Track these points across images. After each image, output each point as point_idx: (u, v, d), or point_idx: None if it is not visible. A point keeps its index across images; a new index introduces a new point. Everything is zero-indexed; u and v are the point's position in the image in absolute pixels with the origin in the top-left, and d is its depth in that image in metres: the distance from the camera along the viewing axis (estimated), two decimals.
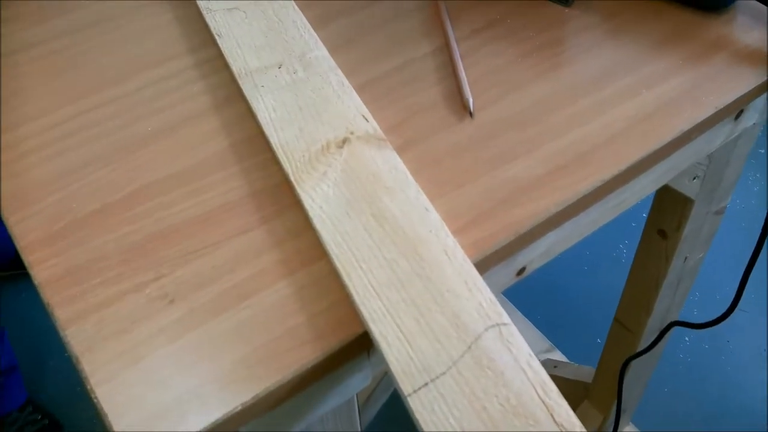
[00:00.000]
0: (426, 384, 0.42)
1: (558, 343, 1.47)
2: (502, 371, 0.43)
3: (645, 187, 0.64)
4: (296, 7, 0.66)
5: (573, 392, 1.27)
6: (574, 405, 1.27)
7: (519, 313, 1.46)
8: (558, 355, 1.42)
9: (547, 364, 1.33)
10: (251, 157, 0.56)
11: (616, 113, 0.59)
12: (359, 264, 0.48)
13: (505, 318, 0.45)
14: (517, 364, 0.43)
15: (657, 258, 0.91)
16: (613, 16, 0.67)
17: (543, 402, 0.42)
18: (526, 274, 0.58)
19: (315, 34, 0.64)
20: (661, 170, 0.63)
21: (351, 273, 0.48)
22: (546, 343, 1.44)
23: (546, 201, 0.53)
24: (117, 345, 0.45)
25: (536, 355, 0.46)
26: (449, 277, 0.47)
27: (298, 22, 0.65)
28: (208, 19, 0.66)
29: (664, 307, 1.00)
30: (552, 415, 0.41)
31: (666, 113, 0.59)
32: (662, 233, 0.90)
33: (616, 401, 1.00)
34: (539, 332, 1.47)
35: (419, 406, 0.41)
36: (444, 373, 0.42)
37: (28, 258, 0.51)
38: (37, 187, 0.55)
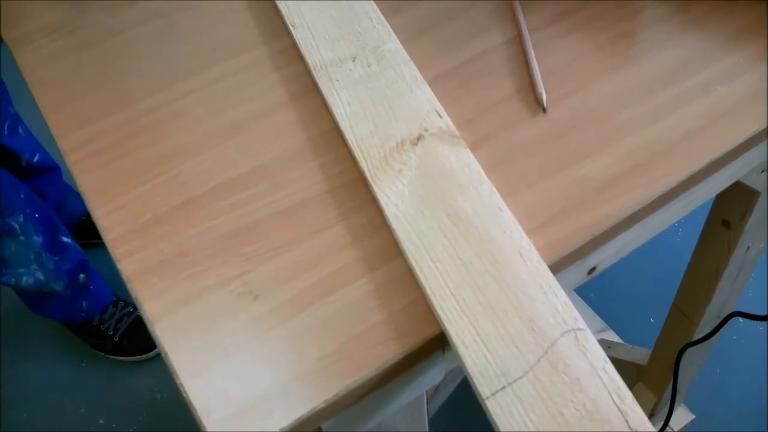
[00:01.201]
0: (503, 387, 0.43)
1: (612, 324, 1.47)
2: (578, 377, 0.43)
3: (718, 184, 0.64)
4: None
5: (627, 373, 1.27)
6: (628, 386, 1.28)
7: (573, 293, 1.46)
8: (612, 336, 1.42)
9: (601, 344, 1.34)
10: (328, 152, 0.57)
11: (691, 110, 0.58)
12: (435, 264, 0.49)
13: (581, 323, 0.46)
14: (593, 369, 0.44)
15: (719, 247, 0.91)
16: (686, 8, 0.66)
17: (618, 408, 0.43)
18: (596, 272, 0.59)
19: (387, 25, 0.64)
20: (735, 168, 0.63)
21: (427, 273, 0.49)
22: (600, 323, 1.44)
23: (621, 202, 0.53)
24: (204, 340, 0.47)
25: None
26: (524, 280, 0.48)
27: (370, 12, 0.65)
28: (281, 6, 0.67)
29: (723, 296, 0.99)
30: (627, 421, 0.42)
31: (741, 110, 0.58)
32: (726, 223, 0.89)
33: (670, 385, 1.00)
34: (593, 312, 1.47)
35: (497, 409, 0.42)
36: (521, 378, 0.43)
37: (116, 251, 0.53)
38: (123, 179, 0.57)
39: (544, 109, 0.59)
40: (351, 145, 0.57)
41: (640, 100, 0.59)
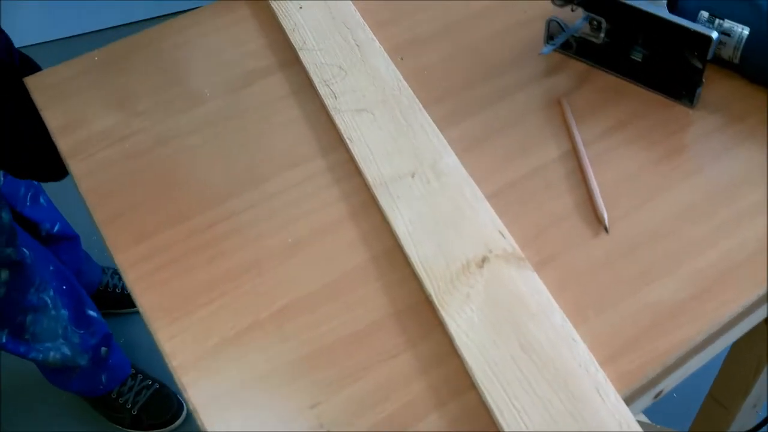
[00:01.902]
0: None
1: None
2: None
3: None
4: (422, 108, 0.67)
5: None
6: None
7: None
8: (642, 417, 1.40)
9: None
10: (392, 271, 0.57)
11: (755, 226, 0.58)
12: (511, 402, 0.48)
13: None
14: None
15: (760, 343, 0.90)
16: (740, 118, 0.66)
17: None
18: (662, 395, 0.58)
19: (443, 139, 0.64)
20: None
21: (504, 411, 0.48)
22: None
23: (691, 328, 0.53)
24: None
25: None
26: (603, 419, 0.47)
27: (426, 126, 0.66)
28: (338, 120, 0.67)
29: (762, 389, 0.98)
30: None
31: None
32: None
33: None
34: None
35: None
36: None
37: (182, 379, 0.52)
38: (185, 299, 0.57)
39: (606, 229, 0.59)
40: (415, 266, 0.56)
41: (703, 217, 0.59)
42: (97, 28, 2.21)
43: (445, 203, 0.60)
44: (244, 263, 0.58)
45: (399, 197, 0.61)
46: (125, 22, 2.21)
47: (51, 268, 1.33)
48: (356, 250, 0.59)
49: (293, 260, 0.58)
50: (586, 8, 0.69)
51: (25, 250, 1.20)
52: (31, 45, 2.17)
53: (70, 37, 2.22)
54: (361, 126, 0.66)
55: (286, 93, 0.71)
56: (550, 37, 0.73)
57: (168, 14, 2.20)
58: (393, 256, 0.58)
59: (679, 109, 0.68)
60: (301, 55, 0.73)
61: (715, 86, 0.67)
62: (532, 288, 0.54)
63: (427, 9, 0.78)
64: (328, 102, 0.69)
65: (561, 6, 0.70)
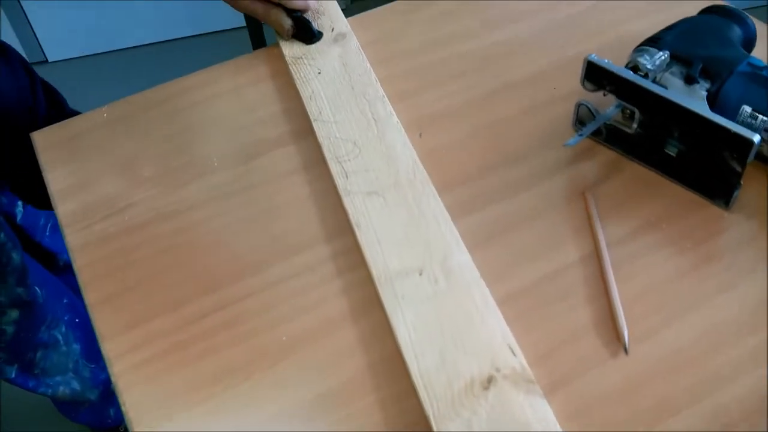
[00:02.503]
0: None
1: None
2: None
3: None
4: (437, 196, 0.63)
5: None
6: None
7: None
8: None
9: None
10: (389, 384, 0.53)
11: None
12: None
13: None
14: None
15: None
16: None
17: None
18: None
19: (457, 233, 0.60)
20: None
21: None
22: None
23: None
24: None
25: None
26: None
27: (439, 216, 0.62)
28: (347, 203, 0.64)
29: None
30: None
31: None
32: None
33: None
34: None
35: None
36: None
37: None
38: (171, 399, 0.54)
39: (626, 350, 0.54)
40: (415, 380, 0.52)
41: (730, 343, 0.55)
42: (125, 46, 2.21)
43: (452, 308, 0.56)
44: (235, 362, 0.55)
45: (404, 297, 0.57)
46: (155, 41, 2.21)
47: (65, 300, 1.31)
48: (353, 356, 0.55)
49: (285, 363, 0.55)
50: (619, 96, 0.64)
51: (37, 288, 1.18)
52: (59, 60, 2.19)
53: (98, 53, 2.22)
54: (371, 211, 0.63)
55: (296, 167, 0.68)
56: (579, 122, 0.69)
57: (194, 35, 2.20)
58: (392, 364, 0.54)
59: (712, 210, 0.63)
60: (316, 126, 0.70)
61: (754, 186, 0.63)
62: (540, 416, 0.50)
63: (453, 82, 0.75)
64: (339, 182, 0.65)
65: (592, 91, 0.66)
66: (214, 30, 2.19)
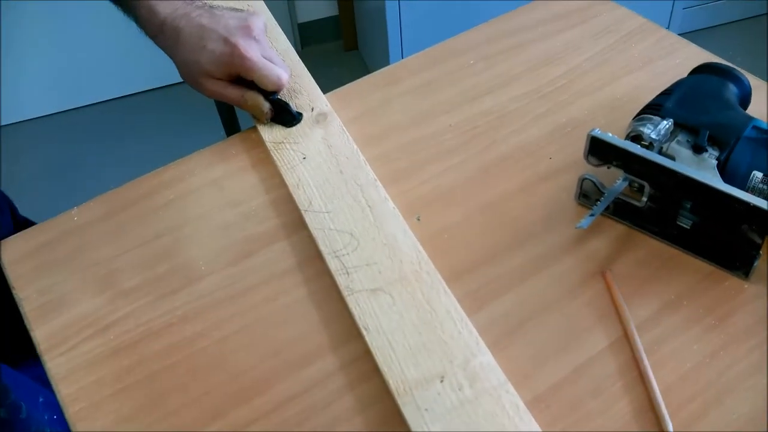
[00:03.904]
0: None
1: None
2: None
3: None
4: (447, 289, 0.59)
5: None
6: None
7: None
8: None
9: None
10: None
11: None
12: None
13: None
14: None
15: None
16: None
17: None
18: None
19: (474, 330, 0.57)
20: None
21: None
22: None
23: None
24: None
25: None
26: None
27: (452, 312, 0.58)
28: (351, 303, 0.59)
29: None
30: None
31: None
32: None
33: None
34: None
35: None
36: None
37: None
38: None
39: None
40: None
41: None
42: (98, 101, 2.15)
43: (481, 419, 0.52)
44: None
45: (427, 410, 0.53)
46: (125, 94, 2.16)
47: (41, 399, 1.23)
48: None
49: None
50: (627, 171, 0.62)
51: (22, 403, 1.10)
52: (28, 120, 2.12)
53: (69, 110, 2.17)
54: (378, 311, 0.58)
55: (291, 265, 0.64)
56: (583, 196, 0.66)
57: (167, 85, 2.15)
58: None
59: (732, 281, 0.60)
60: (307, 218, 0.66)
61: None
62: None
63: (445, 157, 0.71)
64: (340, 280, 0.61)
65: (597, 165, 0.63)
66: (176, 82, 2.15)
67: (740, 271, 0.60)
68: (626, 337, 0.57)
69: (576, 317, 0.58)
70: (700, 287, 0.60)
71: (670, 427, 0.52)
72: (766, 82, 0.74)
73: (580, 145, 0.63)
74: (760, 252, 0.58)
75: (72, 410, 0.56)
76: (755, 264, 0.59)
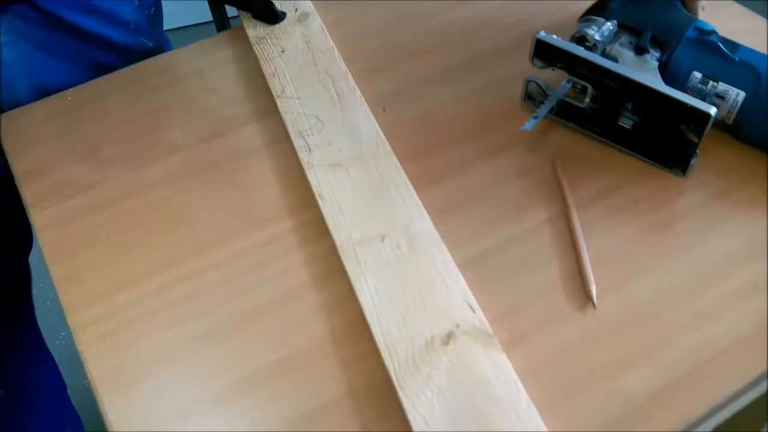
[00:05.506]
0: None
1: None
2: None
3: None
4: (400, 168, 0.64)
5: None
6: None
7: None
8: None
9: None
10: (351, 346, 0.54)
11: (742, 311, 0.55)
12: None
13: None
14: None
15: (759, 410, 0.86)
16: (734, 190, 0.63)
17: None
18: None
19: (419, 202, 0.61)
20: None
21: None
22: None
23: (661, 421, 0.49)
24: None
25: None
26: None
27: (402, 187, 0.63)
28: (310, 176, 0.64)
29: None
30: None
31: None
32: None
33: None
34: None
35: None
36: None
37: None
38: (133, 368, 0.54)
39: (594, 305, 0.55)
40: (377, 340, 0.53)
41: (688, 298, 0.56)
42: None
43: (414, 272, 0.57)
44: (196, 334, 0.55)
45: (366, 263, 0.58)
46: None
47: None
48: (315, 321, 0.56)
49: (247, 331, 0.55)
50: (571, 73, 0.65)
51: None
52: None
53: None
54: (334, 183, 0.63)
55: (260, 145, 0.69)
56: (528, 97, 0.69)
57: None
58: (354, 328, 0.55)
59: (671, 178, 0.64)
60: (279, 103, 0.71)
61: (710, 152, 0.64)
62: (498, 370, 0.51)
63: (416, 59, 0.76)
64: (302, 155, 0.66)
65: (542, 68, 0.67)
66: (179, 26, 2.18)
67: (678, 169, 0.64)
68: (565, 216, 0.61)
69: (518, 198, 0.63)
70: (640, 179, 0.64)
71: (593, 288, 0.56)
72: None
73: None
74: (697, 151, 0.62)
75: (49, 254, 0.62)
76: (692, 162, 0.63)
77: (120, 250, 0.61)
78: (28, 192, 0.66)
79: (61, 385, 1.22)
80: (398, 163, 0.64)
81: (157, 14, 0.88)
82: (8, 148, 0.70)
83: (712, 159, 0.64)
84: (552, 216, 0.61)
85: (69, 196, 0.66)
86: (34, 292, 1.62)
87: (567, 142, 0.67)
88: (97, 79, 0.76)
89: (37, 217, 0.64)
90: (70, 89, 0.75)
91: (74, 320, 0.57)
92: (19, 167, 0.68)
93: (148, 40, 0.86)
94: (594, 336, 0.54)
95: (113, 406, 0.52)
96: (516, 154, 0.66)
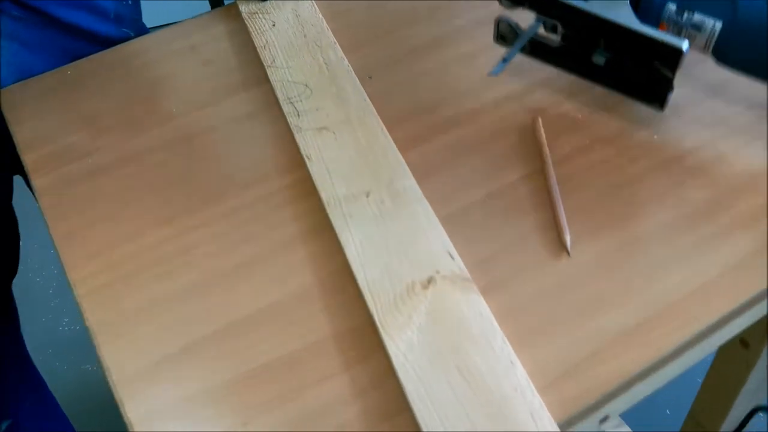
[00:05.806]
0: None
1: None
2: None
3: (737, 327, 0.62)
4: (385, 130, 0.67)
5: None
6: None
7: None
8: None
9: None
10: (337, 294, 0.57)
11: (711, 258, 0.57)
12: (442, 422, 0.48)
13: None
14: None
15: (737, 365, 0.89)
16: (708, 144, 0.65)
17: None
18: (609, 420, 0.57)
19: (403, 161, 0.64)
20: (756, 312, 0.61)
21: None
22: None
23: (635, 356, 0.52)
24: None
25: None
26: None
27: (387, 147, 0.66)
28: (298, 139, 0.67)
29: (742, 409, 0.96)
30: None
31: (762, 256, 0.57)
32: (744, 343, 0.87)
33: None
34: None
35: None
36: None
37: (122, 392, 0.52)
38: (131, 316, 0.57)
39: (568, 253, 0.58)
40: (361, 287, 0.56)
41: (660, 246, 0.58)
42: None
43: (397, 225, 0.59)
44: (189, 284, 0.58)
45: (352, 217, 0.60)
46: None
47: None
48: (303, 272, 0.58)
49: (238, 282, 0.58)
50: (540, 12, 0.65)
51: None
52: None
53: None
54: (321, 145, 0.66)
55: (251, 111, 0.72)
56: (501, 37, 0.70)
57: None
58: (340, 278, 0.58)
59: (643, 136, 0.66)
60: (269, 72, 0.74)
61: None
62: (475, 312, 0.53)
63: (403, 29, 0.78)
64: (291, 120, 0.69)
65: (509, 8, 0.67)
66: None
67: (656, 103, 0.64)
68: (542, 172, 0.64)
69: (499, 155, 0.65)
70: (613, 136, 0.66)
71: (568, 237, 0.59)
72: None
73: None
74: (673, 85, 0.63)
75: (49, 215, 0.65)
76: (669, 96, 0.63)
77: (116, 210, 0.64)
78: (29, 159, 0.69)
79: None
80: (384, 127, 0.67)
81: (136, 3, 0.91)
82: (9, 119, 0.73)
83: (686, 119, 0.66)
84: (531, 173, 0.64)
85: (69, 161, 0.68)
86: (37, 279, 1.66)
87: (549, 103, 0.69)
88: (96, 54, 0.79)
89: (37, 182, 0.67)
90: (71, 64, 0.78)
91: (73, 275, 0.60)
92: (20, 136, 0.71)
93: (130, 30, 0.89)
94: (568, 282, 0.56)
95: (110, 351, 0.55)
96: (499, 111, 0.68)
